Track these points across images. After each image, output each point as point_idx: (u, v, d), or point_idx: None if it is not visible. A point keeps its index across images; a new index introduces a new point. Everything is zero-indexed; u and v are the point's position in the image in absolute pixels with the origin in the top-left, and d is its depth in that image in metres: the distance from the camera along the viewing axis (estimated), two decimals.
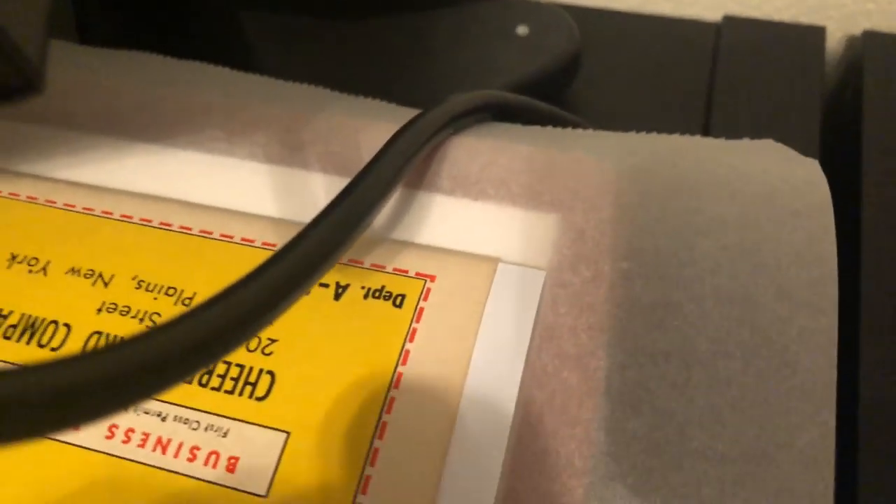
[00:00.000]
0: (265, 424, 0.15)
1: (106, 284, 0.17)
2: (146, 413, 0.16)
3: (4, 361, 0.16)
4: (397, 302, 0.17)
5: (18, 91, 0.13)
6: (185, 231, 0.18)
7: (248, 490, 0.15)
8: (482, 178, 0.18)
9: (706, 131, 0.31)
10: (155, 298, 0.17)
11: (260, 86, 0.21)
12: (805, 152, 0.30)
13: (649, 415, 0.16)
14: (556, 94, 0.31)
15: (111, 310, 0.17)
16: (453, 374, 0.16)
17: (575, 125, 0.22)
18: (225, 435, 0.15)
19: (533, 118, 0.22)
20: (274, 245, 0.18)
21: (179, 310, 0.17)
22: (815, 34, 0.33)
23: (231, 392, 0.16)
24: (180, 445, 0.15)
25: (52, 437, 0.15)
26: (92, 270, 0.17)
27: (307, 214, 0.18)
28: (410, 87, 0.30)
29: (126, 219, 0.18)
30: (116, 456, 0.15)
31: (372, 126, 0.19)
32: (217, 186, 0.19)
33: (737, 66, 0.32)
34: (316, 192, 0.19)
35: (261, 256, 0.17)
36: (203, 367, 0.12)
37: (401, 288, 0.17)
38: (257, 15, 0.32)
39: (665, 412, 0.16)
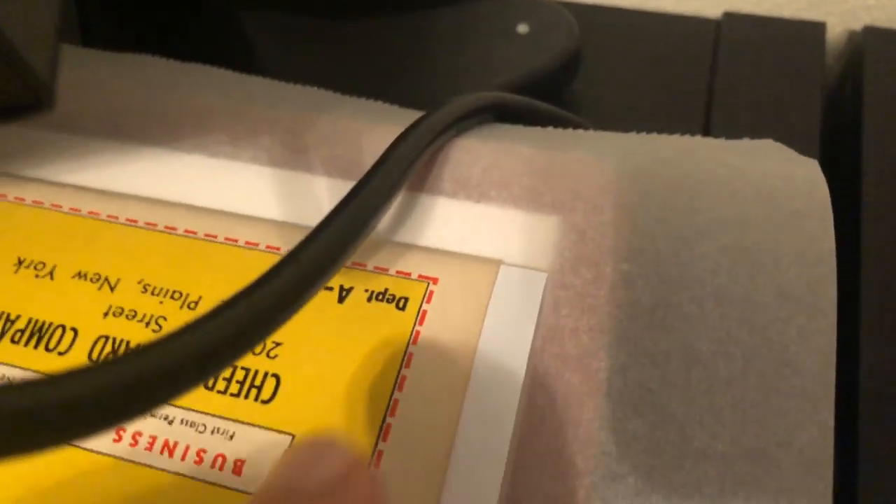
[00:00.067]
0: (271, 427, 0.16)
1: (112, 288, 0.17)
2: (153, 416, 0.16)
3: (13, 366, 0.17)
4: (400, 305, 0.17)
5: (28, 106, 0.13)
6: (189, 235, 0.18)
7: (254, 492, 0.15)
8: (484, 180, 0.19)
9: (707, 127, 0.31)
10: (161, 302, 0.17)
11: (263, 88, 0.22)
12: (805, 147, 0.30)
13: (650, 415, 0.16)
14: (556, 91, 0.31)
15: (117, 314, 0.17)
16: (456, 376, 0.16)
17: (576, 125, 0.22)
18: (231, 438, 0.15)
19: (534, 118, 0.22)
20: (278, 248, 0.18)
21: (185, 313, 0.17)
22: (815, 30, 0.33)
23: (237, 395, 0.16)
24: (187, 448, 0.15)
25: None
26: (98, 274, 0.18)
27: (311, 217, 0.18)
28: (411, 86, 0.30)
29: (131, 223, 0.18)
30: (125, 459, 0.15)
31: (375, 129, 0.20)
32: (221, 190, 0.19)
33: (737, 62, 0.32)
34: (320, 195, 0.19)
35: (265, 260, 0.17)
36: (212, 374, 0.12)
37: (404, 291, 0.17)
38: (258, 15, 0.32)
39: (666, 412, 0.16)
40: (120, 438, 0.16)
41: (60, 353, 0.17)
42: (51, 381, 0.10)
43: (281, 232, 0.18)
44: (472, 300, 0.17)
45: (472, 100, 0.20)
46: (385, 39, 0.31)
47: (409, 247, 0.18)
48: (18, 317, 0.17)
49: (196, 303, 0.17)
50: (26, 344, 0.17)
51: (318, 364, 0.16)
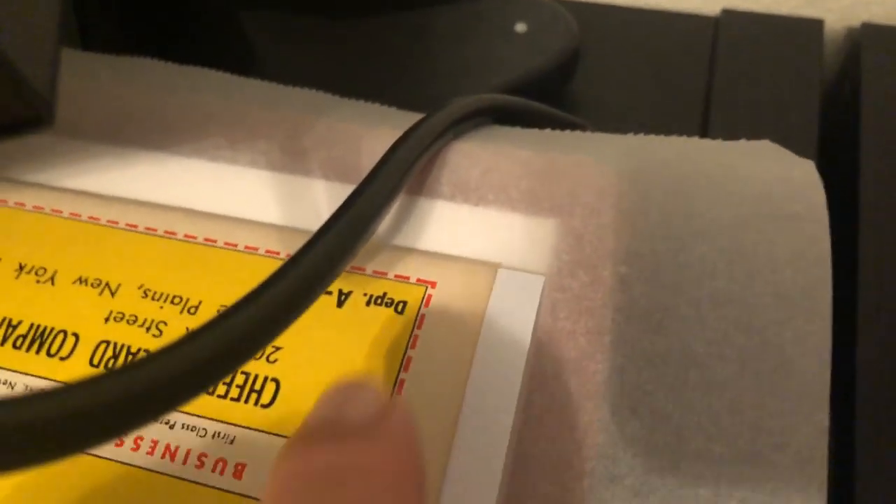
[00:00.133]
0: (271, 431, 0.16)
1: (113, 294, 0.17)
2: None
3: (15, 371, 0.17)
4: (399, 308, 0.17)
5: (28, 124, 0.13)
6: (189, 240, 0.18)
7: (255, 496, 0.15)
8: (482, 183, 0.19)
9: (705, 124, 0.31)
10: (161, 307, 0.17)
11: (262, 91, 0.22)
12: (803, 144, 0.30)
13: (647, 417, 0.16)
14: (555, 90, 0.31)
15: (118, 319, 0.17)
16: (454, 380, 0.16)
17: (574, 126, 0.23)
18: (232, 442, 0.16)
19: (532, 120, 0.22)
20: (277, 252, 0.18)
21: (185, 318, 0.17)
22: (813, 26, 0.33)
23: (237, 399, 0.16)
24: (188, 453, 0.16)
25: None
26: (99, 280, 0.18)
27: (310, 221, 0.19)
28: (410, 86, 0.30)
29: (131, 228, 0.19)
30: (127, 463, 0.16)
31: (373, 132, 0.20)
32: (221, 194, 0.19)
33: (735, 59, 0.32)
34: (318, 198, 0.19)
35: (264, 264, 0.18)
36: (217, 381, 0.12)
37: (402, 294, 0.17)
38: (257, 15, 0.32)
39: (662, 414, 0.16)
40: (122, 443, 0.16)
41: (62, 359, 0.17)
42: (64, 392, 0.10)
43: (280, 236, 0.18)
44: (470, 304, 0.17)
45: (470, 102, 0.20)
46: (384, 39, 0.31)
47: (408, 250, 0.18)
48: (20, 322, 0.17)
49: (196, 308, 0.17)
50: (28, 349, 0.17)
51: (318, 368, 0.16)
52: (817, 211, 0.18)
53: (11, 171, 0.20)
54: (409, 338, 0.17)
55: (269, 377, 0.16)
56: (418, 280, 0.17)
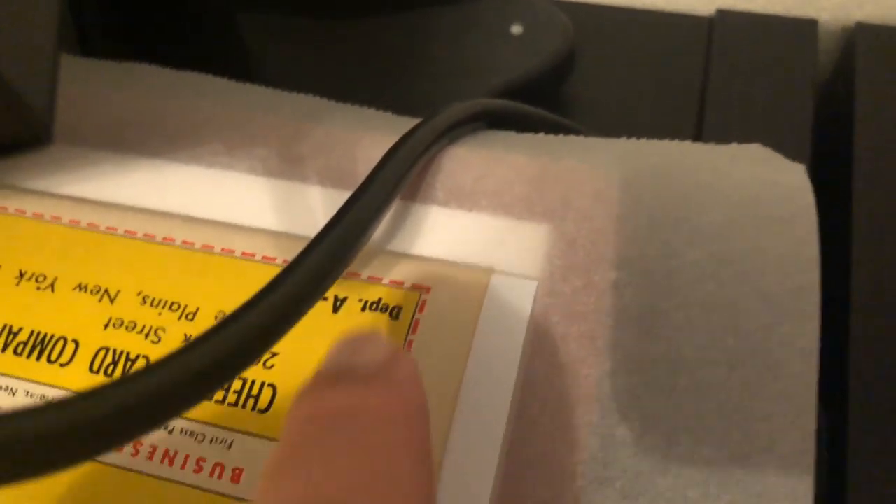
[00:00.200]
0: (268, 436, 0.16)
1: (112, 300, 0.18)
2: None
3: (16, 377, 0.17)
4: (394, 314, 0.17)
5: (27, 143, 0.13)
6: (187, 246, 0.18)
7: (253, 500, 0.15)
8: (476, 189, 0.19)
9: (700, 124, 0.31)
10: (159, 314, 0.17)
11: (260, 97, 0.22)
12: (798, 143, 0.30)
13: (637, 420, 0.16)
14: (551, 90, 0.31)
15: (118, 325, 0.17)
16: (448, 384, 0.16)
17: (568, 130, 0.23)
18: (229, 447, 0.16)
19: (527, 124, 0.23)
20: (273, 259, 0.18)
21: (183, 325, 0.17)
22: (807, 26, 0.33)
23: (234, 405, 0.16)
24: (187, 457, 0.16)
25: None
26: (98, 286, 0.18)
27: (306, 227, 0.19)
28: (406, 87, 0.30)
29: (130, 234, 0.19)
30: (125, 468, 0.16)
31: (370, 138, 0.20)
32: (218, 200, 0.20)
33: (730, 59, 0.33)
34: (315, 205, 0.19)
35: (261, 270, 0.18)
36: (218, 388, 0.12)
37: (397, 300, 0.17)
38: (255, 17, 0.32)
39: (652, 418, 0.16)
40: (121, 448, 0.16)
41: (62, 365, 0.17)
42: (66, 404, 0.10)
43: (277, 242, 0.19)
44: (464, 309, 0.17)
45: (465, 108, 0.21)
46: (380, 41, 0.31)
47: (403, 256, 0.18)
48: (21, 329, 0.18)
49: (194, 314, 0.17)
50: (28, 356, 0.17)
51: None
52: (806, 214, 0.18)
53: (12, 179, 0.20)
54: (404, 343, 0.17)
55: (266, 383, 0.17)
56: (413, 286, 0.18)
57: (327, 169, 0.20)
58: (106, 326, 0.17)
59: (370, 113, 0.22)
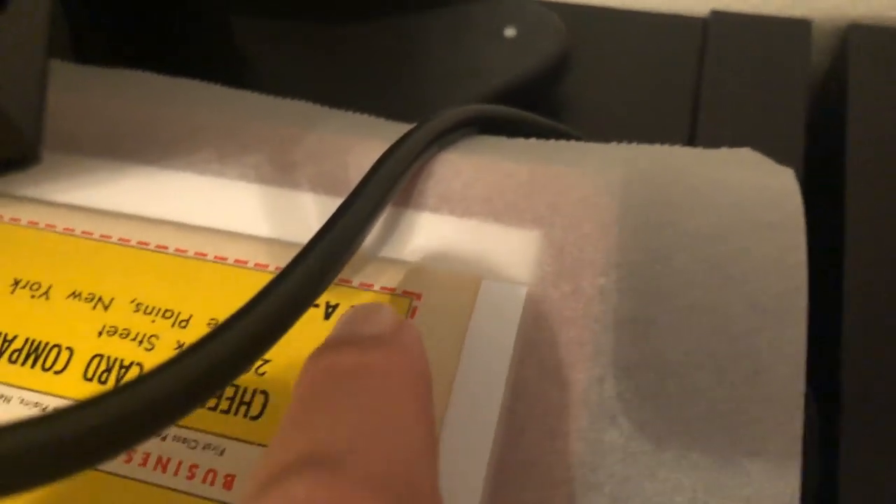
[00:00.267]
0: (260, 443, 0.16)
1: (106, 308, 0.18)
2: None
3: (11, 385, 0.17)
4: None
5: (15, 163, 0.13)
6: (180, 254, 0.19)
7: None
8: (467, 195, 0.19)
9: (693, 125, 0.31)
10: (153, 321, 0.18)
11: (253, 104, 0.22)
12: (791, 143, 0.30)
13: (626, 425, 0.16)
14: (545, 93, 0.32)
15: (111, 333, 0.18)
16: (438, 389, 0.17)
17: (559, 134, 0.23)
18: (222, 453, 0.16)
19: (519, 129, 0.23)
20: (266, 266, 0.18)
21: (176, 332, 0.17)
22: (801, 27, 0.33)
23: (227, 412, 0.17)
24: (180, 464, 0.16)
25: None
26: (92, 294, 0.18)
27: (299, 234, 0.19)
28: (400, 90, 0.31)
29: (124, 242, 0.19)
30: (119, 475, 0.16)
31: (361, 144, 0.20)
32: (211, 208, 0.20)
33: (724, 60, 0.33)
34: (307, 212, 0.19)
35: (254, 277, 0.18)
36: (209, 397, 0.13)
37: None
38: (249, 21, 0.32)
39: (640, 423, 0.16)
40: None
41: (56, 372, 0.17)
42: (64, 415, 0.10)
43: (269, 249, 0.19)
44: (454, 315, 0.17)
45: (456, 114, 0.21)
46: (374, 44, 0.31)
47: (394, 262, 0.18)
48: (15, 337, 0.18)
49: (187, 321, 0.18)
50: (23, 363, 0.17)
51: None
52: (794, 219, 0.18)
53: (6, 187, 0.20)
54: None
55: (258, 389, 0.17)
56: (404, 292, 0.18)
57: (319, 176, 0.20)
58: (100, 334, 0.18)
59: (362, 119, 0.22)
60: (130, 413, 0.11)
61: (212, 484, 0.16)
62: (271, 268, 0.18)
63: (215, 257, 0.19)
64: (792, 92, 0.32)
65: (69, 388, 0.17)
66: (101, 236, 0.19)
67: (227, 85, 0.23)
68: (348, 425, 0.12)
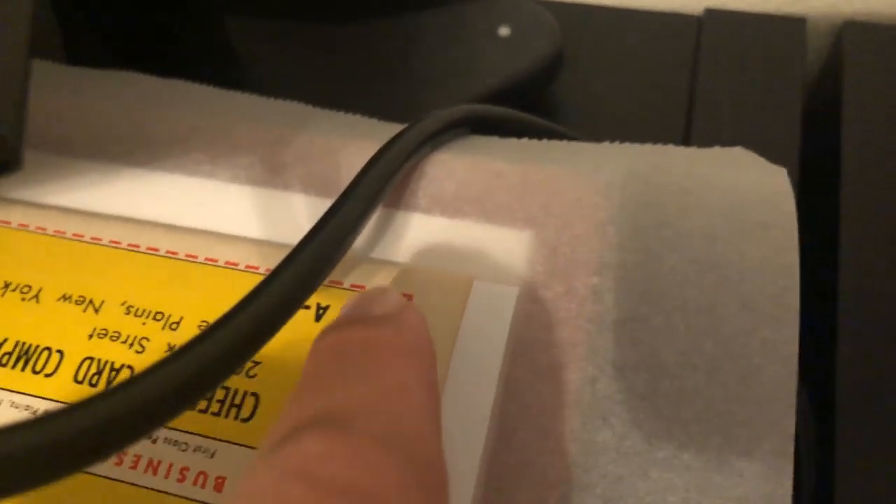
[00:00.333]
0: (251, 445, 0.16)
1: (97, 310, 0.18)
2: None
3: (0, 388, 0.17)
4: None
5: None
6: (171, 256, 0.19)
7: None
8: (458, 196, 0.19)
9: (688, 124, 0.31)
10: (143, 323, 0.18)
11: (244, 105, 0.22)
12: (786, 142, 0.30)
13: (618, 426, 0.16)
14: (539, 92, 0.32)
15: (102, 335, 0.18)
16: None
17: (551, 134, 0.23)
18: (212, 456, 0.16)
19: (511, 129, 0.23)
20: (257, 267, 0.18)
21: (167, 334, 0.17)
22: (795, 25, 0.33)
23: (217, 414, 0.16)
24: (170, 467, 0.16)
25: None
26: (83, 297, 0.18)
27: (289, 235, 0.19)
28: (394, 90, 0.30)
29: (115, 244, 0.19)
30: (109, 478, 0.16)
31: (352, 145, 0.20)
32: (202, 210, 0.20)
33: (719, 58, 0.33)
34: (298, 213, 0.19)
35: (244, 279, 0.18)
36: (199, 399, 0.13)
37: None
38: (242, 21, 0.32)
39: (633, 423, 0.16)
40: None
41: (47, 375, 0.17)
42: (54, 417, 0.10)
43: (260, 251, 0.19)
44: (445, 316, 0.17)
45: (447, 114, 0.21)
46: (368, 43, 0.31)
47: (385, 263, 0.18)
48: (6, 339, 0.18)
49: (177, 324, 0.18)
50: (13, 366, 0.17)
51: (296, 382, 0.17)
52: (786, 219, 0.18)
53: None
54: None
55: (249, 392, 0.17)
56: None
57: (310, 177, 0.20)
58: (91, 336, 0.18)
59: (354, 119, 0.22)
60: (121, 415, 0.11)
61: (203, 486, 0.16)
62: (262, 269, 0.18)
63: (206, 259, 0.18)
64: (787, 90, 0.32)
65: (60, 390, 0.17)
66: (92, 238, 0.19)
67: (222, 85, 0.23)
68: (359, 390, 0.13)
